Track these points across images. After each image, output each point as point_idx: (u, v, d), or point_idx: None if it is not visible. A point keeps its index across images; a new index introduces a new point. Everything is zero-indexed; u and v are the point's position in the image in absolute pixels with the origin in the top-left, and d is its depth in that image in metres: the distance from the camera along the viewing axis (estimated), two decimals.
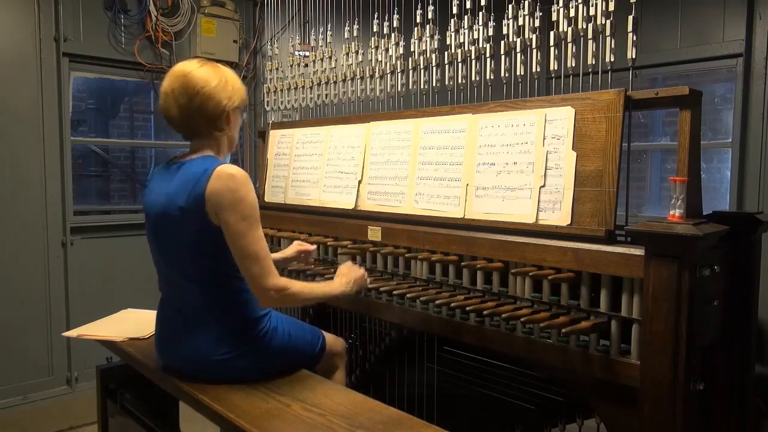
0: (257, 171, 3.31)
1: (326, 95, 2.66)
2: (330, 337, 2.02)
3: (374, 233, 2.19)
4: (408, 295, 1.94)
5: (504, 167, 1.87)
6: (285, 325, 1.87)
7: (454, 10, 2.09)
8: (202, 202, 1.63)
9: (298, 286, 1.75)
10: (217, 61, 3.41)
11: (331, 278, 2.00)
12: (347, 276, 1.95)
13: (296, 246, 2.24)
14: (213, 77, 1.72)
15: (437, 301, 1.87)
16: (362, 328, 2.54)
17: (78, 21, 3.38)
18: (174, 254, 1.73)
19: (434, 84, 2.20)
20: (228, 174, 1.64)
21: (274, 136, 2.87)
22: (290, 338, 1.85)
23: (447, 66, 2.14)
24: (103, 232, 3.58)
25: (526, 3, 1.90)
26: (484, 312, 1.75)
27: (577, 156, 1.70)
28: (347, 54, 2.53)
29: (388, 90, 2.37)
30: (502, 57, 1.96)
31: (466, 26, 2.07)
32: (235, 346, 1.72)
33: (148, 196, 1.80)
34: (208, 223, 1.65)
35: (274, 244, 2.63)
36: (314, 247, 2.27)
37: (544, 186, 1.76)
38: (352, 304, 2.27)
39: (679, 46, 3.53)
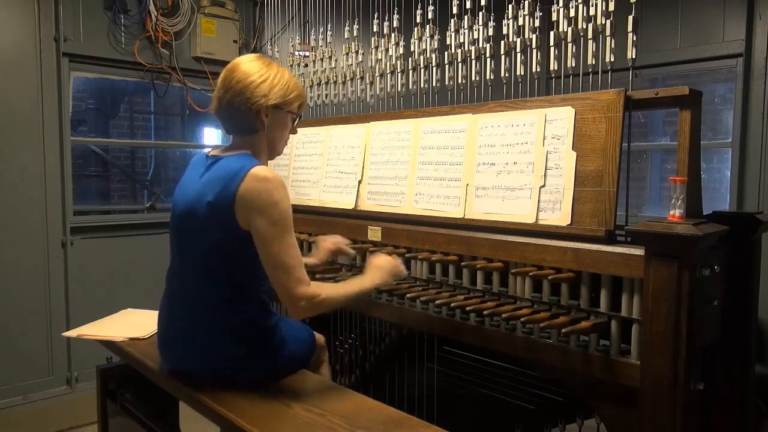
0: None
1: (326, 95, 2.66)
2: (315, 334, 2.01)
3: (374, 233, 2.19)
4: (408, 295, 1.94)
5: (504, 167, 1.87)
6: (288, 328, 1.86)
7: (454, 10, 2.09)
8: (232, 202, 1.58)
9: (327, 289, 1.67)
10: (217, 61, 3.38)
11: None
12: (382, 268, 1.84)
13: (325, 247, 2.15)
14: (255, 73, 1.66)
15: (437, 301, 1.87)
16: (362, 328, 2.54)
17: (78, 21, 3.39)
18: (194, 251, 1.70)
19: (434, 84, 2.20)
20: (263, 176, 1.59)
21: None
22: (293, 340, 1.84)
23: (447, 66, 2.14)
24: (103, 232, 3.58)
25: (526, 3, 1.90)
26: (484, 312, 1.75)
27: (577, 156, 1.70)
28: (347, 54, 2.53)
29: (388, 90, 2.37)
30: (502, 57, 1.96)
31: (466, 26, 2.07)
32: (242, 348, 1.71)
33: (179, 188, 1.76)
34: (234, 223, 1.60)
35: None
36: (346, 240, 2.18)
37: (544, 186, 1.76)
38: (352, 304, 2.27)
39: (679, 46, 3.53)
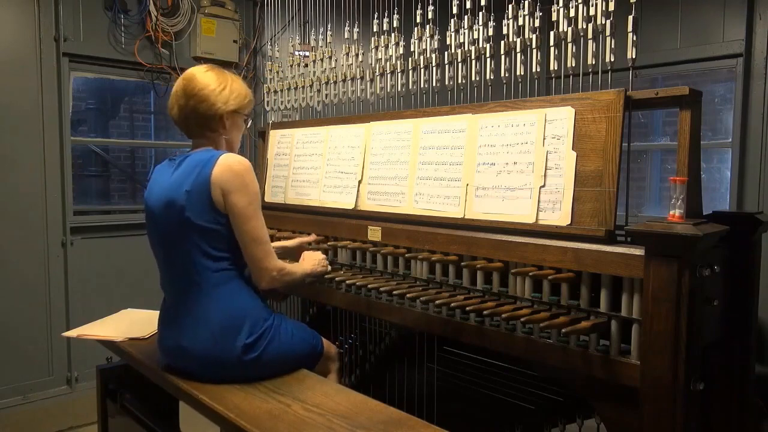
0: (257, 171, 3.31)
1: (326, 95, 2.66)
2: (325, 342, 2.03)
3: (374, 233, 2.19)
4: (408, 295, 1.94)
5: (504, 167, 1.87)
6: (288, 326, 1.88)
7: (454, 10, 2.09)
8: (207, 186, 1.70)
9: (289, 266, 1.89)
10: (217, 61, 3.41)
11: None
12: (310, 260, 2.07)
13: (299, 239, 2.30)
14: (213, 82, 1.83)
15: (437, 301, 1.87)
16: (362, 328, 2.54)
17: (78, 21, 3.38)
18: (177, 242, 1.75)
19: (434, 84, 2.20)
20: (234, 160, 1.75)
21: (274, 136, 2.87)
22: (293, 337, 1.86)
23: (447, 66, 2.14)
24: (103, 232, 3.58)
25: (526, 3, 1.90)
26: (484, 312, 1.75)
27: (577, 156, 1.70)
28: (347, 54, 2.53)
29: (388, 90, 2.37)
30: (502, 57, 1.96)
31: (466, 26, 2.07)
32: (239, 343, 1.73)
33: (150, 191, 1.84)
34: (212, 206, 1.71)
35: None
36: (314, 237, 2.34)
37: (544, 186, 1.76)
38: (352, 304, 2.27)
39: (679, 46, 3.53)
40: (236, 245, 1.77)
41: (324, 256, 2.16)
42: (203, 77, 1.82)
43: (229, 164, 1.73)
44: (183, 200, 1.71)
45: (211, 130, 1.84)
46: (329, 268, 2.16)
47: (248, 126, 2.00)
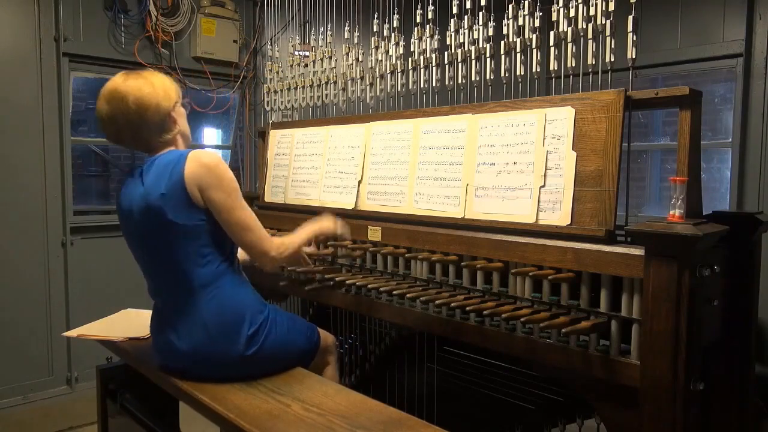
0: (257, 171, 3.31)
1: (326, 95, 2.66)
2: (322, 333, 2.02)
3: (374, 233, 2.19)
4: (408, 295, 1.94)
5: (504, 167, 1.87)
6: (283, 318, 1.87)
7: (454, 10, 2.09)
8: (182, 184, 1.67)
9: (288, 240, 1.86)
10: (217, 61, 3.41)
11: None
12: (328, 218, 2.04)
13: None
14: (141, 85, 1.74)
15: (437, 301, 1.87)
16: (362, 328, 2.54)
17: (78, 21, 3.39)
18: (161, 247, 1.73)
19: (434, 84, 2.20)
20: (204, 154, 1.72)
21: (274, 136, 2.87)
22: (289, 332, 1.85)
23: (447, 66, 2.14)
24: (103, 232, 3.58)
25: (526, 3, 1.90)
26: (484, 312, 1.75)
27: (577, 156, 1.70)
28: (347, 54, 2.53)
29: (388, 90, 2.37)
30: (502, 57, 1.96)
31: (466, 26, 2.07)
32: (241, 338, 1.73)
33: (123, 203, 1.79)
34: (191, 204, 1.69)
35: None
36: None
37: (544, 186, 1.76)
38: (352, 304, 2.27)
39: (679, 46, 3.53)
40: (221, 240, 1.75)
41: (335, 218, 2.08)
42: (130, 86, 1.73)
43: (199, 160, 1.68)
44: (160, 203, 1.68)
45: (166, 131, 1.78)
46: (341, 230, 2.07)
47: (189, 111, 1.94)
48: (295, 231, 1.96)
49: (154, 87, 1.75)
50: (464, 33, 2.08)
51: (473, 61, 2.06)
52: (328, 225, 2.04)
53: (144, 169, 1.77)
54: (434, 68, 2.19)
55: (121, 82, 1.76)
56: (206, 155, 1.72)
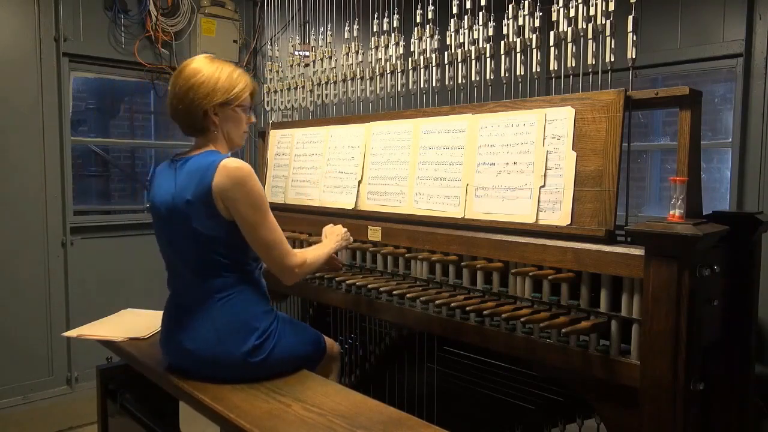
0: (257, 171, 3.31)
1: (326, 95, 2.66)
2: (328, 341, 2.02)
3: (374, 233, 2.19)
4: (408, 295, 1.94)
5: (504, 167, 1.87)
6: (291, 324, 1.88)
7: (454, 10, 2.09)
8: (209, 196, 1.65)
9: (309, 254, 1.86)
10: None
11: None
12: (333, 234, 2.07)
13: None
14: (196, 75, 1.72)
15: (437, 301, 1.87)
16: (362, 328, 2.54)
17: (78, 21, 3.38)
18: (184, 249, 1.74)
19: (434, 84, 2.20)
20: (233, 167, 1.66)
21: (274, 136, 2.87)
22: (297, 338, 1.86)
23: (447, 66, 2.14)
24: (103, 232, 3.58)
25: (526, 3, 1.90)
26: (484, 312, 1.75)
27: (577, 156, 1.70)
28: (347, 54, 2.53)
29: (388, 90, 2.37)
30: (502, 57, 1.96)
31: (466, 26, 2.07)
32: (247, 346, 1.72)
33: (155, 193, 1.80)
34: (217, 214, 1.67)
35: None
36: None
37: (544, 186, 1.76)
38: (352, 304, 2.27)
39: (679, 46, 3.53)
40: (242, 248, 1.74)
41: (345, 229, 2.11)
42: (189, 70, 1.73)
43: (228, 172, 1.65)
44: (186, 209, 1.67)
45: (201, 130, 1.77)
46: (352, 239, 2.14)
47: (251, 119, 1.87)
48: (317, 244, 2.01)
49: (203, 82, 1.71)
50: (464, 33, 2.08)
51: (473, 61, 2.06)
52: (348, 238, 2.10)
53: (179, 166, 1.75)
54: (434, 68, 2.19)
55: (191, 63, 1.76)
56: (236, 168, 1.66)
